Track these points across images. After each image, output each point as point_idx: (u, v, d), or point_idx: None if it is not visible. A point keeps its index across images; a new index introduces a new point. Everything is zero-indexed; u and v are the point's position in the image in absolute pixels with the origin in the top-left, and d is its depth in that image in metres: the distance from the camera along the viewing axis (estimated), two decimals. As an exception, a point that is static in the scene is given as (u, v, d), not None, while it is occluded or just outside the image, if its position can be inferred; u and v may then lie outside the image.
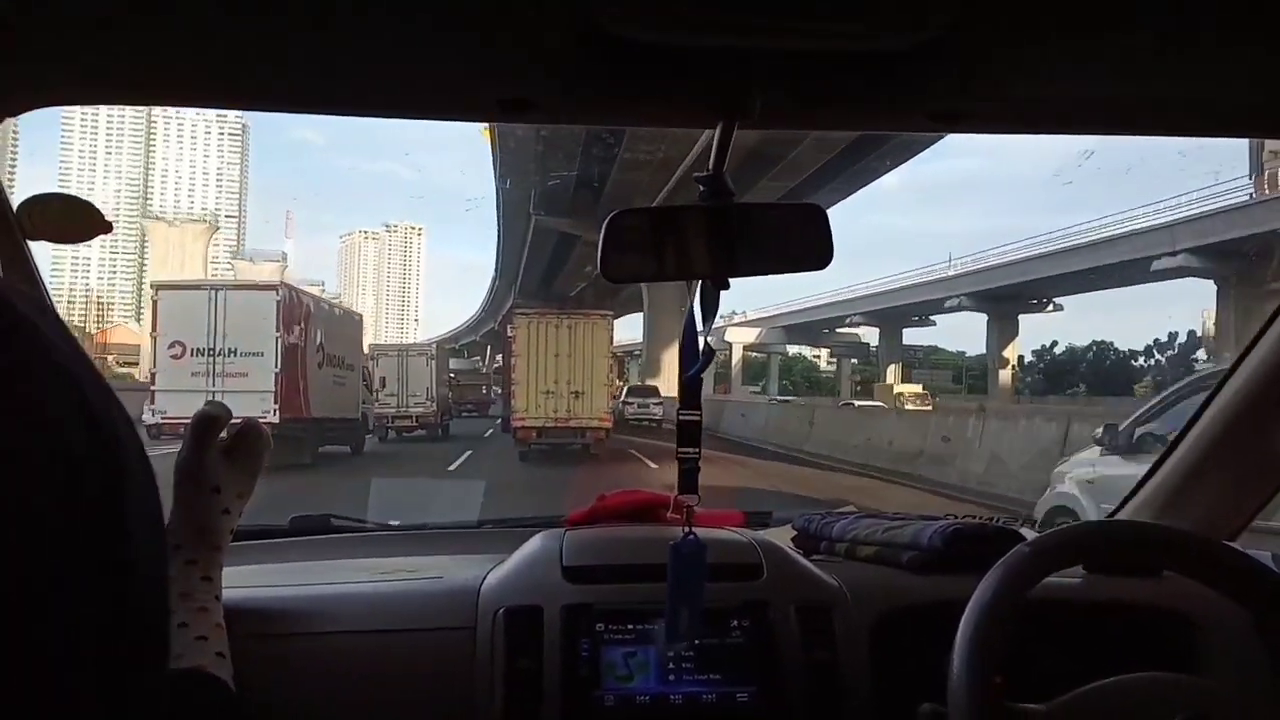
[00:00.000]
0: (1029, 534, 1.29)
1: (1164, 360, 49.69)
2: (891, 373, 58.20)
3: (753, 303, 70.01)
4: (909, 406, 32.99)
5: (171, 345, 15.44)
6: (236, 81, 1.03)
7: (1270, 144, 18.93)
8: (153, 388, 15.34)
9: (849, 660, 1.21)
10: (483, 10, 0.83)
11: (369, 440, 20.12)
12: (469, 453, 16.17)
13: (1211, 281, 33.36)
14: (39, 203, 1.13)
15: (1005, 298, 46.89)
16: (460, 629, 1.21)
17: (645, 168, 26.28)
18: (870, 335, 66.10)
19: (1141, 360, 57.58)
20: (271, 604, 1.24)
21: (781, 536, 1.51)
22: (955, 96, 1.02)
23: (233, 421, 1.07)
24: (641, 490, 1.54)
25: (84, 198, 1.18)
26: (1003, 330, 48.41)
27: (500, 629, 1.19)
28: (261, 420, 2.08)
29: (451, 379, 32.00)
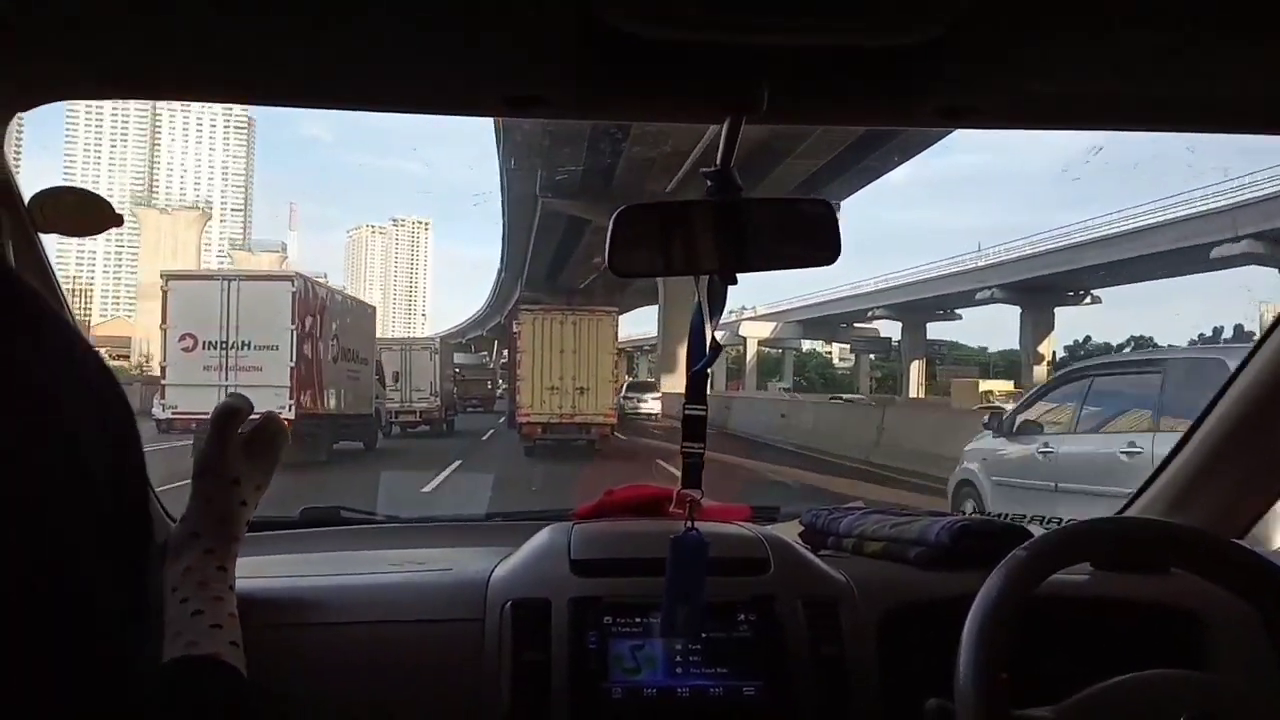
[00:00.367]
0: (1037, 530, 1.27)
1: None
2: (915, 369, 56.90)
3: (767, 296, 68.99)
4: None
5: (182, 337, 14.99)
6: (243, 77, 1.04)
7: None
8: (163, 382, 14.90)
9: (856, 655, 1.22)
10: (490, 6, 0.85)
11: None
12: (456, 464, 13.33)
13: (1277, 271, 31.54)
14: (51, 196, 1.14)
15: (1041, 289, 44.56)
16: (468, 621, 1.22)
17: (661, 142, 25.57)
18: (891, 329, 64.89)
19: (1182, 356, 57.02)
20: (281, 594, 1.26)
21: (789, 532, 1.52)
22: (962, 92, 1.03)
23: (250, 416, 1.10)
24: (649, 485, 1.55)
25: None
26: (1037, 324, 46.10)
27: (508, 621, 1.21)
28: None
29: (456, 374, 31.85)
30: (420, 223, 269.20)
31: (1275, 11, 0.84)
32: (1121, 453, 5.93)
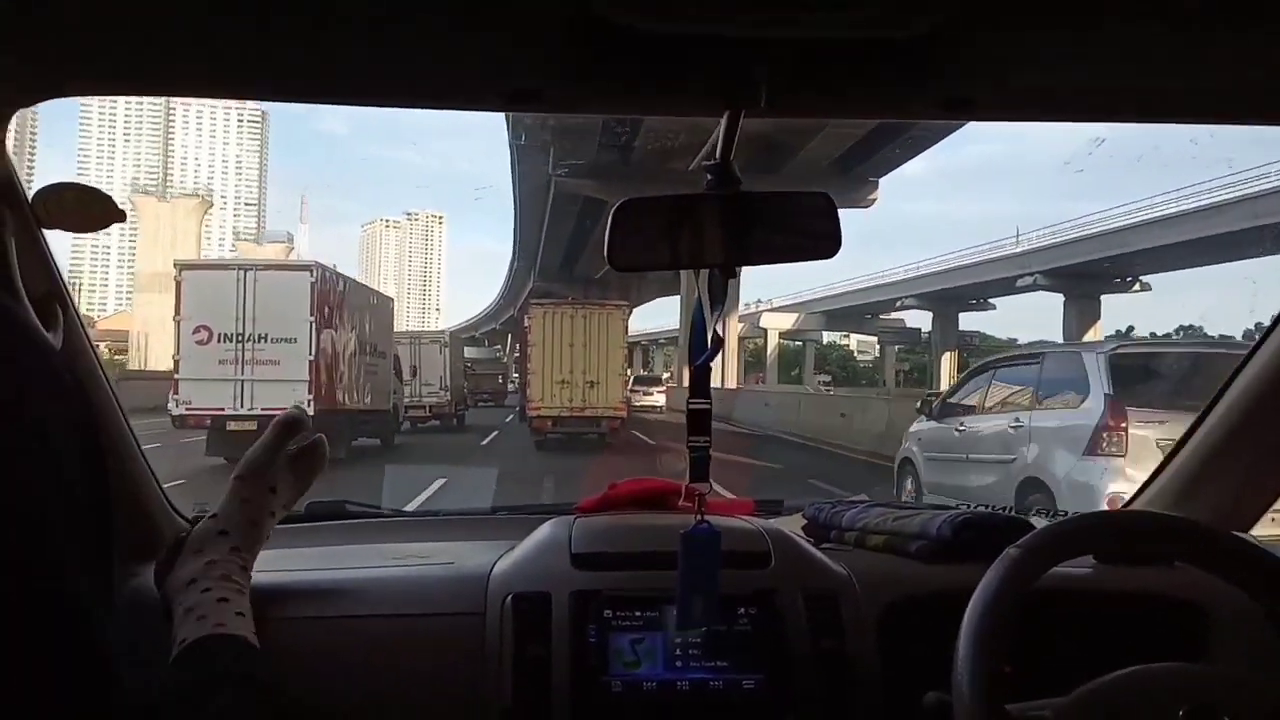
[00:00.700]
0: (1039, 523, 1.29)
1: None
2: (947, 361, 54.84)
3: (788, 287, 67.67)
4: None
5: (196, 330, 14.54)
6: (241, 73, 1.06)
7: None
8: (176, 376, 14.43)
9: (857, 648, 1.24)
10: (488, 1, 0.86)
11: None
12: (439, 483, 10.41)
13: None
14: (54, 192, 1.16)
15: (1087, 275, 41.51)
16: (470, 614, 1.25)
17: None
18: (919, 320, 63.18)
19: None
20: (285, 588, 1.29)
21: (792, 525, 1.54)
22: (964, 84, 1.04)
23: (267, 412, 1.38)
24: (653, 479, 1.56)
25: (99, 186, 1.22)
26: (1082, 312, 43.26)
27: (509, 615, 1.23)
28: None
29: (467, 368, 31.71)
30: (434, 216, 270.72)
31: (1275, 3, 0.84)
32: (1010, 427, 7.30)
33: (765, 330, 61.32)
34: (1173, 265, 41.47)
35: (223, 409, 14.02)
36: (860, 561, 1.37)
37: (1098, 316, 43.98)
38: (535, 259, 49.26)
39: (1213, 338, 13.86)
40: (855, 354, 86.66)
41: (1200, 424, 1.52)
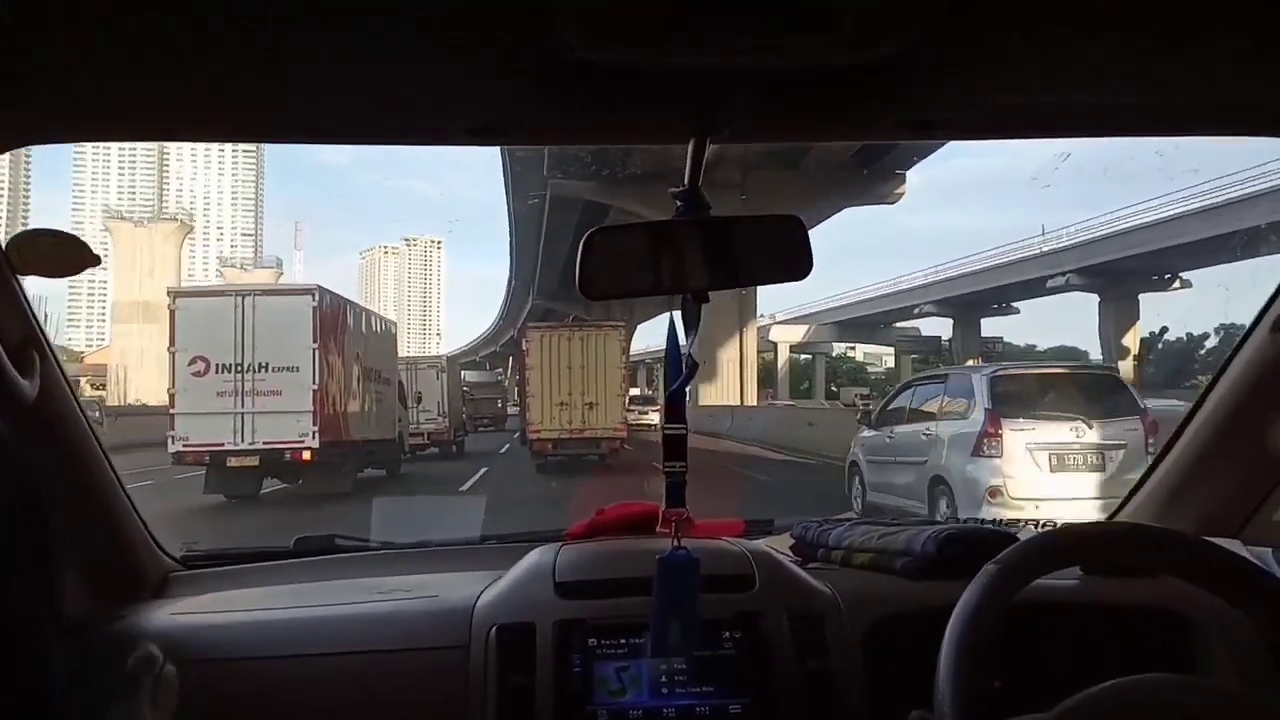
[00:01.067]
0: (1026, 536, 1.29)
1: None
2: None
3: (800, 298, 66.16)
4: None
5: (192, 361, 13.66)
6: (205, 115, 1.07)
7: None
8: (172, 411, 13.52)
9: (842, 668, 1.25)
10: (451, 37, 0.87)
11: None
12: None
13: None
14: (28, 239, 1.18)
15: (1125, 273, 38.35)
16: (454, 648, 1.26)
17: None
18: (936, 327, 61.44)
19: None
20: (273, 627, 1.32)
21: (782, 544, 1.56)
22: (929, 105, 1.06)
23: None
24: (641, 503, 1.57)
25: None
26: (1120, 313, 40.45)
27: (493, 647, 1.24)
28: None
29: (465, 393, 31.07)
30: (433, 241, 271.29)
31: (1237, 17, 0.86)
32: (922, 434, 8.88)
33: (775, 344, 60.17)
34: (1216, 259, 35.63)
35: (222, 444, 13.28)
36: (846, 580, 1.38)
37: (1136, 317, 41.35)
38: (533, 277, 48.18)
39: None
40: (865, 366, 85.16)
41: (1181, 434, 1.54)
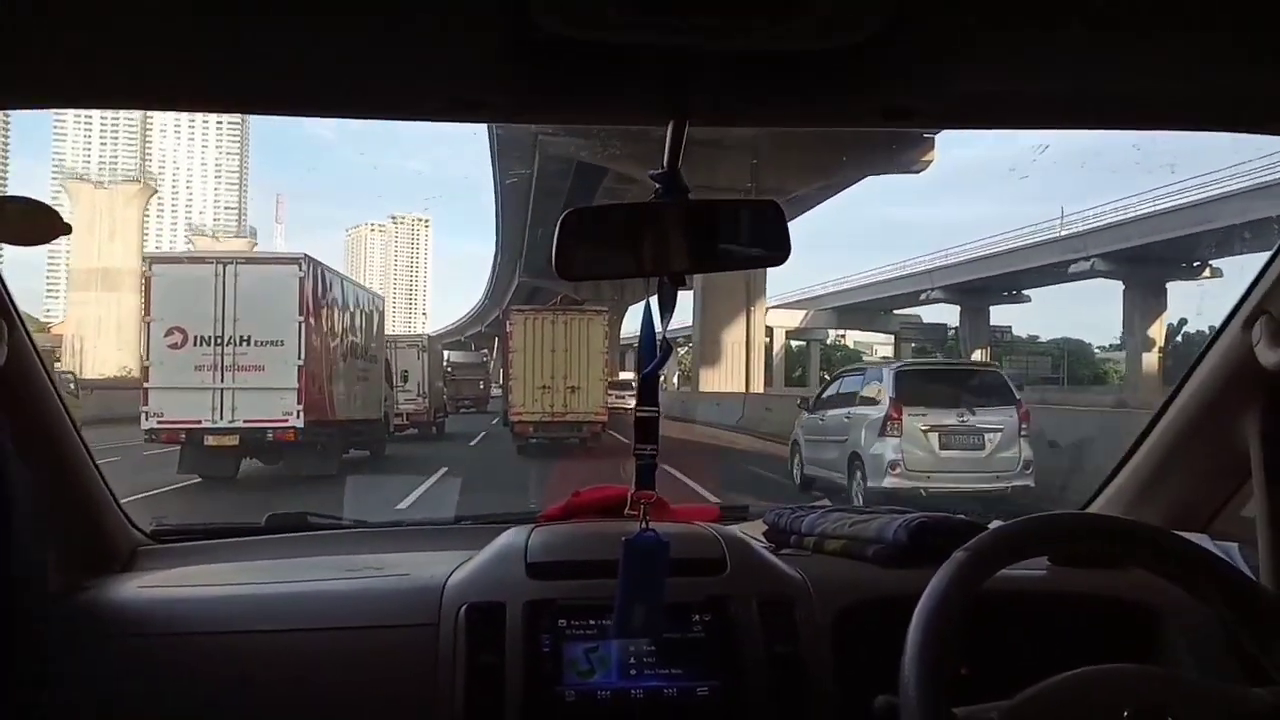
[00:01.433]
0: (996, 525, 1.33)
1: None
2: (977, 359, 51.93)
3: (798, 281, 64.90)
4: None
5: (169, 332, 12.97)
6: (186, 85, 1.08)
7: None
8: (146, 385, 12.84)
9: (811, 653, 1.27)
10: (429, 12, 0.88)
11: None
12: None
13: None
14: None
15: (1154, 260, 36.11)
16: (423, 626, 1.28)
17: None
18: (941, 314, 59.85)
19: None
20: (240, 602, 1.34)
21: (755, 531, 1.58)
22: (905, 92, 1.07)
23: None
24: (616, 486, 1.59)
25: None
26: (1146, 302, 37.81)
27: (463, 626, 1.26)
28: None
29: (447, 373, 30.95)
30: (420, 219, 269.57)
31: (1221, 7, 0.87)
32: (845, 417, 10.54)
33: (771, 329, 59.28)
34: (1245, 248, 33.15)
35: (200, 421, 12.64)
36: (817, 566, 1.40)
37: (1164, 306, 38.86)
38: (520, 252, 46.64)
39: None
40: (860, 354, 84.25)
41: (1152, 428, 1.57)
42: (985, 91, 1.07)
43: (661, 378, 1.32)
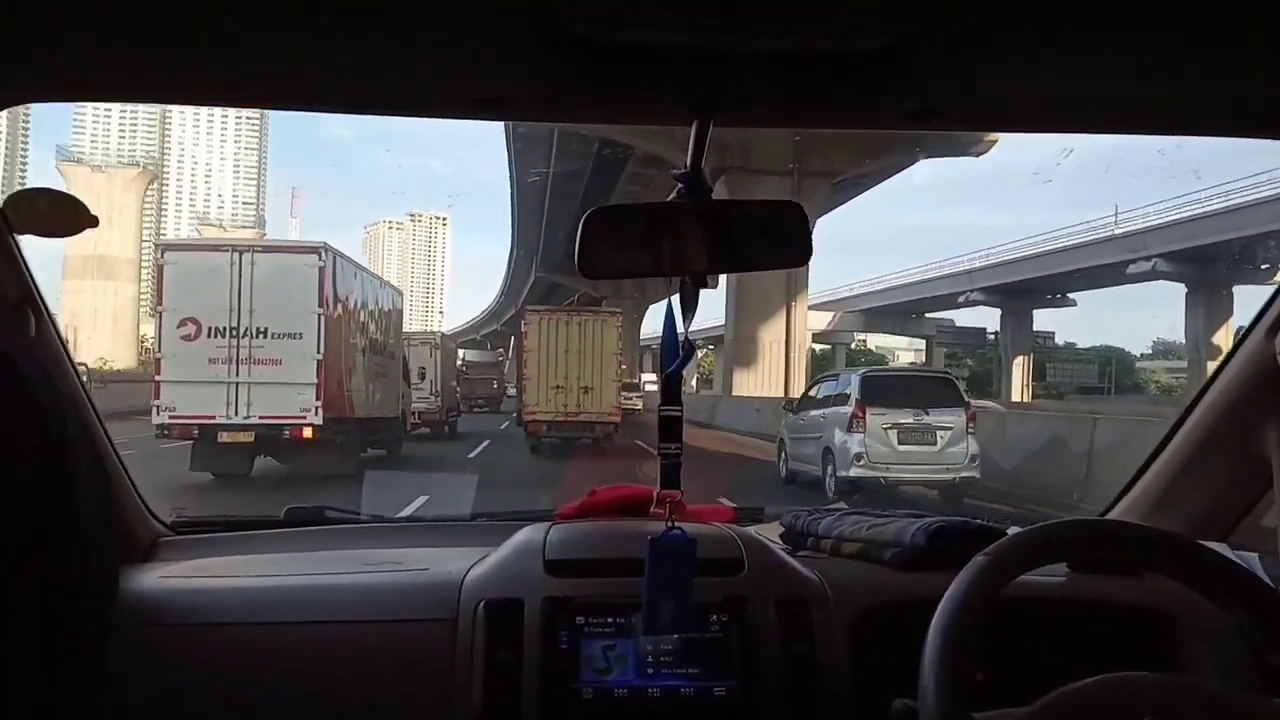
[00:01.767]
0: (1015, 531, 1.34)
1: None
2: (1020, 367, 47.79)
3: (826, 282, 63.26)
4: None
5: (182, 323, 12.55)
6: (209, 79, 1.09)
7: None
8: (158, 378, 12.42)
9: (827, 655, 1.28)
10: (456, 10, 0.90)
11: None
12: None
13: None
14: (26, 198, 1.20)
15: (1222, 261, 34.18)
16: (442, 620, 1.29)
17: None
18: (977, 318, 57.69)
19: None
20: (260, 594, 1.36)
21: (771, 532, 1.60)
22: (929, 95, 1.07)
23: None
24: (634, 485, 1.60)
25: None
26: (1211, 306, 35.85)
27: (481, 621, 1.28)
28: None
29: (461, 372, 30.90)
30: (439, 218, 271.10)
31: (1242, 13, 0.87)
32: (821, 417, 12.27)
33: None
34: None
35: (213, 417, 12.26)
36: (834, 569, 1.41)
37: (1229, 312, 36.42)
38: (537, 246, 46.21)
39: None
40: (884, 358, 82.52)
41: (1173, 435, 1.57)
42: (1011, 94, 1.08)
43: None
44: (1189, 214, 34.93)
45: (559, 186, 34.98)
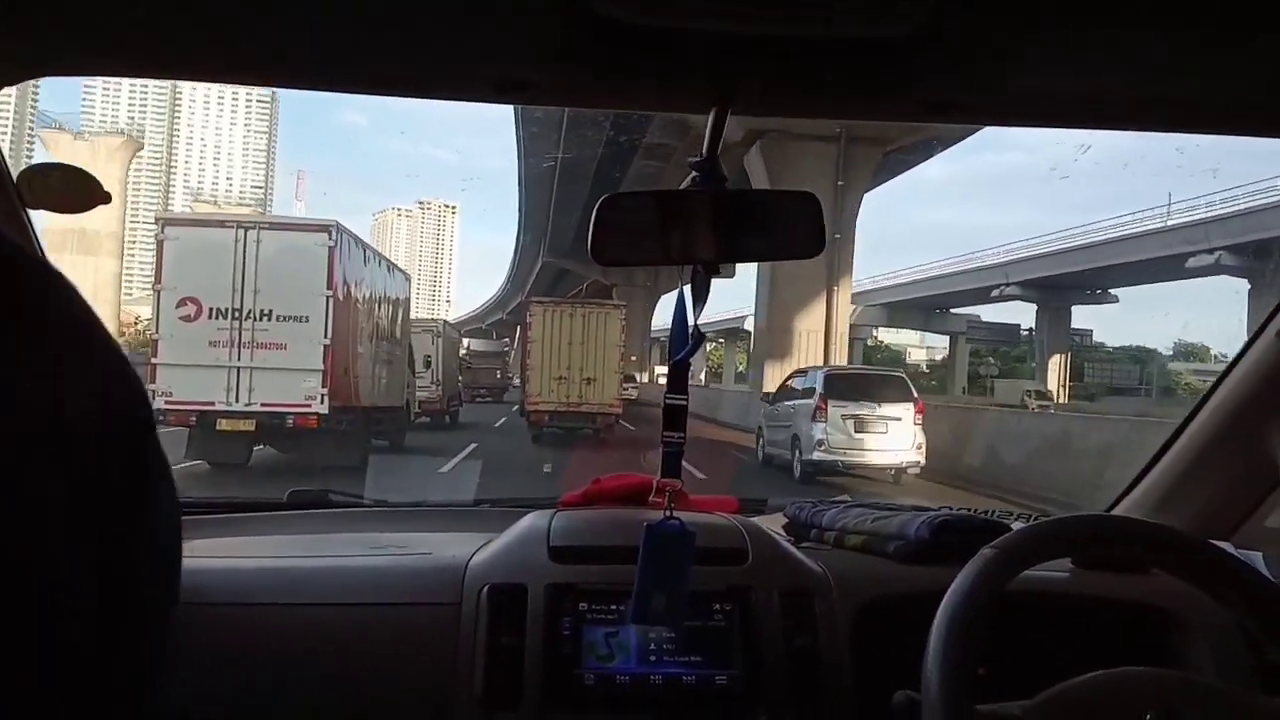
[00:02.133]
0: (1019, 527, 1.36)
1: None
2: (1056, 366, 45.60)
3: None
4: None
5: (182, 303, 12.05)
6: (234, 56, 1.10)
7: None
8: (154, 360, 11.86)
9: (830, 646, 1.29)
10: None
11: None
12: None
13: None
14: (38, 173, 1.19)
15: None
16: (445, 605, 1.30)
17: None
18: (1005, 314, 55.89)
19: None
20: (263, 575, 1.37)
21: (774, 524, 1.62)
22: (947, 86, 1.08)
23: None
24: (638, 474, 1.62)
25: (84, 168, 1.24)
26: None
27: (484, 606, 1.29)
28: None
29: (464, 361, 30.61)
30: (448, 206, 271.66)
31: (1264, 11, 0.88)
32: (791, 408, 14.37)
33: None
34: None
35: (212, 403, 11.74)
36: (838, 561, 1.42)
37: None
38: (545, 231, 45.19)
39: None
40: (909, 356, 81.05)
41: (1180, 433, 1.58)
42: (1030, 88, 1.08)
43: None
44: (1257, 203, 32.53)
45: (570, 163, 34.05)
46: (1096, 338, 61.62)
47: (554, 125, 30.27)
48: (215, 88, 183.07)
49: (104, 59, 1.14)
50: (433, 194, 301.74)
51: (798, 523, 1.60)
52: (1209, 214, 35.00)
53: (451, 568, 1.34)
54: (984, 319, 58.50)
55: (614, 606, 1.29)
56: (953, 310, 57.15)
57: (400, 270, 18.15)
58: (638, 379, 33.99)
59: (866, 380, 14.82)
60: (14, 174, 1.19)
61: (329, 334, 12.09)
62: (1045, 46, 0.96)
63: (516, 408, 21.87)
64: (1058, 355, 46.85)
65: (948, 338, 60.83)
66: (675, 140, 27.25)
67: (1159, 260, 37.10)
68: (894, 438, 13.16)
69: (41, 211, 1.24)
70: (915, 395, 13.92)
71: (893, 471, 13.33)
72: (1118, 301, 48.22)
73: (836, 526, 1.52)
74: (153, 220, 13.36)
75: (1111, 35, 0.92)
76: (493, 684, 1.23)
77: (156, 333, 12.03)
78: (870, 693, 1.22)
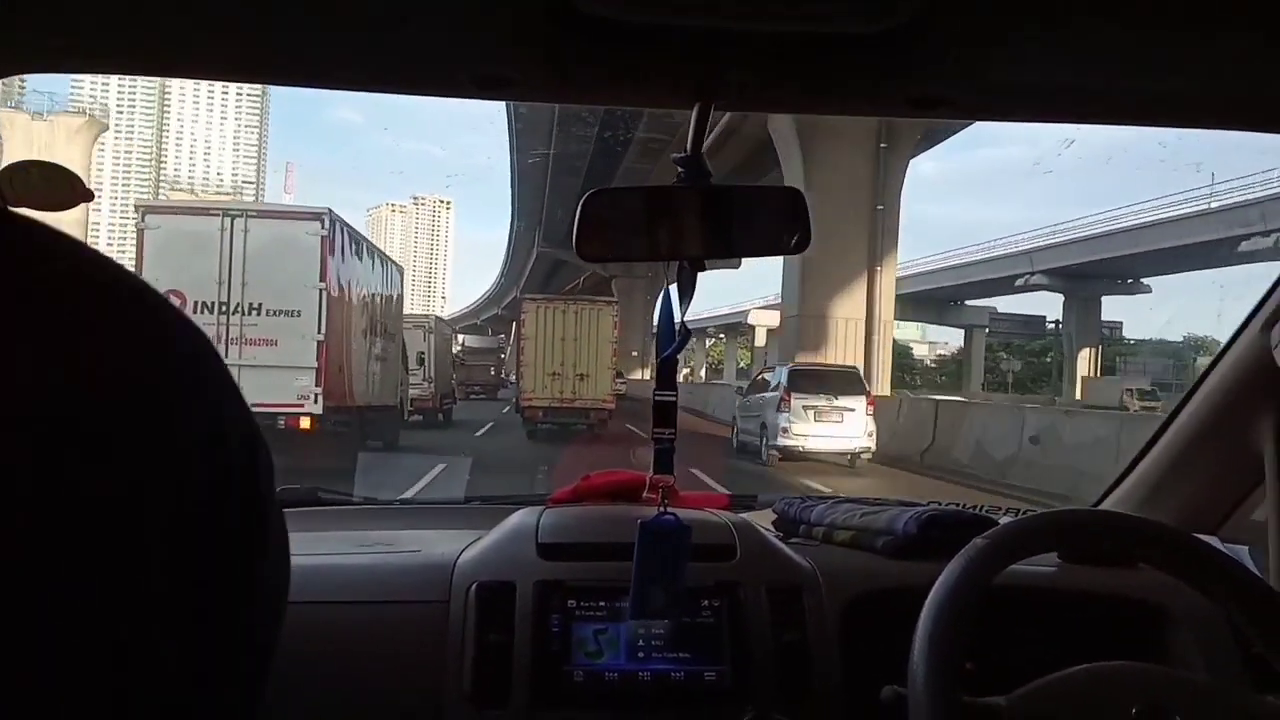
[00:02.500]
0: (1006, 521, 1.39)
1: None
2: (1084, 360, 43.04)
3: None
4: None
5: (165, 296, 11.06)
6: (214, 53, 1.10)
7: None
8: None
9: (818, 642, 1.31)
10: None
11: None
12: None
13: None
14: (20, 169, 1.19)
15: None
16: (434, 603, 1.32)
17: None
18: (1023, 305, 54.08)
19: None
20: None
21: (763, 520, 1.64)
22: (933, 82, 1.09)
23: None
24: (627, 471, 1.64)
25: (65, 165, 1.23)
26: None
27: (473, 603, 1.31)
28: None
29: (457, 358, 30.56)
30: (442, 202, 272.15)
31: (1245, 9, 0.89)
32: (760, 400, 16.53)
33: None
34: None
35: (197, 399, 10.84)
36: (826, 556, 1.44)
37: None
38: (539, 219, 44.03)
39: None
40: (916, 351, 79.71)
41: (1166, 428, 1.60)
42: (1017, 83, 1.09)
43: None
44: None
45: (563, 147, 33.27)
46: (1126, 332, 59.94)
47: (546, 117, 29.84)
48: (204, 82, 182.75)
49: (82, 56, 1.12)
50: (426, 190, 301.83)
51: (786, 519, 1.63)
52: (1260, 194, 32.46)
53: (440, 565, 1.36)
54: (1001, 310, 56.65)
55: (603, 603, 1.31)
56: (968, 302, 55.47)
57: (394, 263, 17.52)
58: (637, 375, 34.71)
59: (825, 374, 16.60)
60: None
61: (322, 329, 11.64)
62: (1028, 42, 0.96)
63: (509, 406, 22.26)
64: (1088, 349, 44.63)
65: (961, 331, 59.00)
66: (666, 136, 26.92)
67: (1202, 245, 34.34)
68: (848, 426, 15.07)
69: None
70: (868, 389, 16.11)
71: (849, 456, 15.16)
72: (1150, 291, 46.04)
73: (825, 522, 1.54)
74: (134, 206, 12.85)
75: (1097, 29, 0.92)
76: (481, 681, 1.25)
77: (139, 328, 11.45)
78: (859, 687, 1.24)
